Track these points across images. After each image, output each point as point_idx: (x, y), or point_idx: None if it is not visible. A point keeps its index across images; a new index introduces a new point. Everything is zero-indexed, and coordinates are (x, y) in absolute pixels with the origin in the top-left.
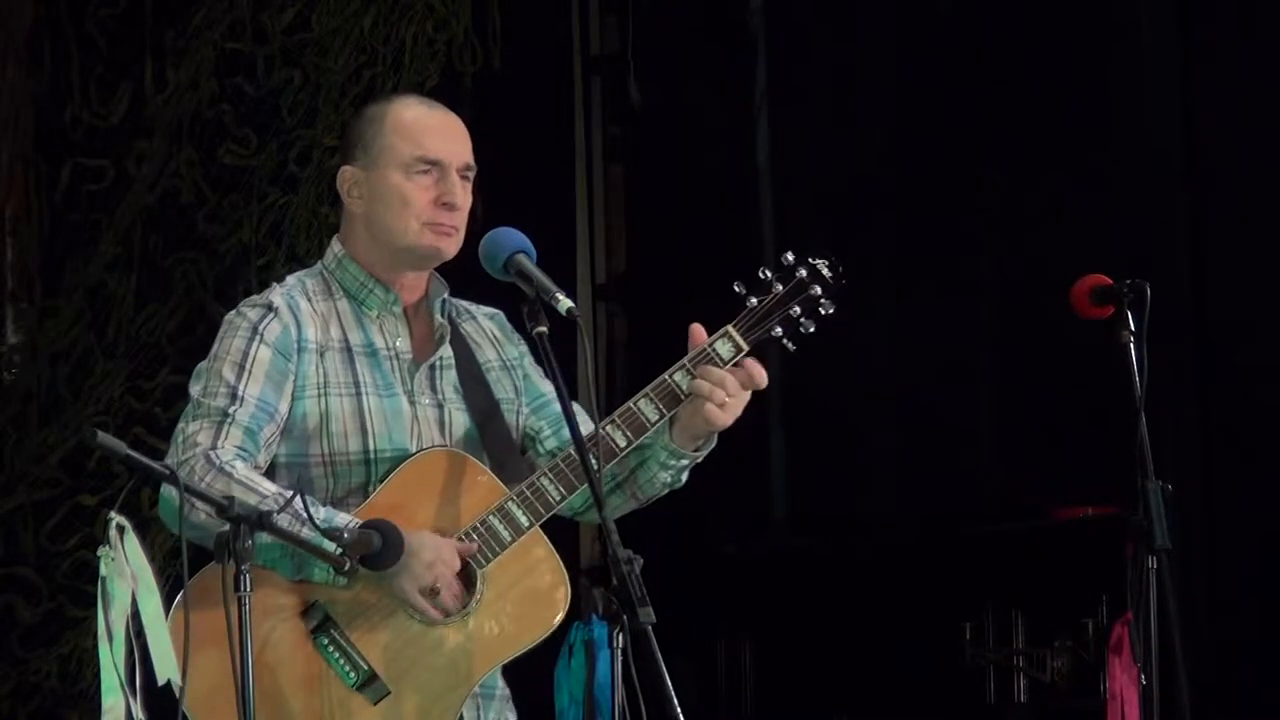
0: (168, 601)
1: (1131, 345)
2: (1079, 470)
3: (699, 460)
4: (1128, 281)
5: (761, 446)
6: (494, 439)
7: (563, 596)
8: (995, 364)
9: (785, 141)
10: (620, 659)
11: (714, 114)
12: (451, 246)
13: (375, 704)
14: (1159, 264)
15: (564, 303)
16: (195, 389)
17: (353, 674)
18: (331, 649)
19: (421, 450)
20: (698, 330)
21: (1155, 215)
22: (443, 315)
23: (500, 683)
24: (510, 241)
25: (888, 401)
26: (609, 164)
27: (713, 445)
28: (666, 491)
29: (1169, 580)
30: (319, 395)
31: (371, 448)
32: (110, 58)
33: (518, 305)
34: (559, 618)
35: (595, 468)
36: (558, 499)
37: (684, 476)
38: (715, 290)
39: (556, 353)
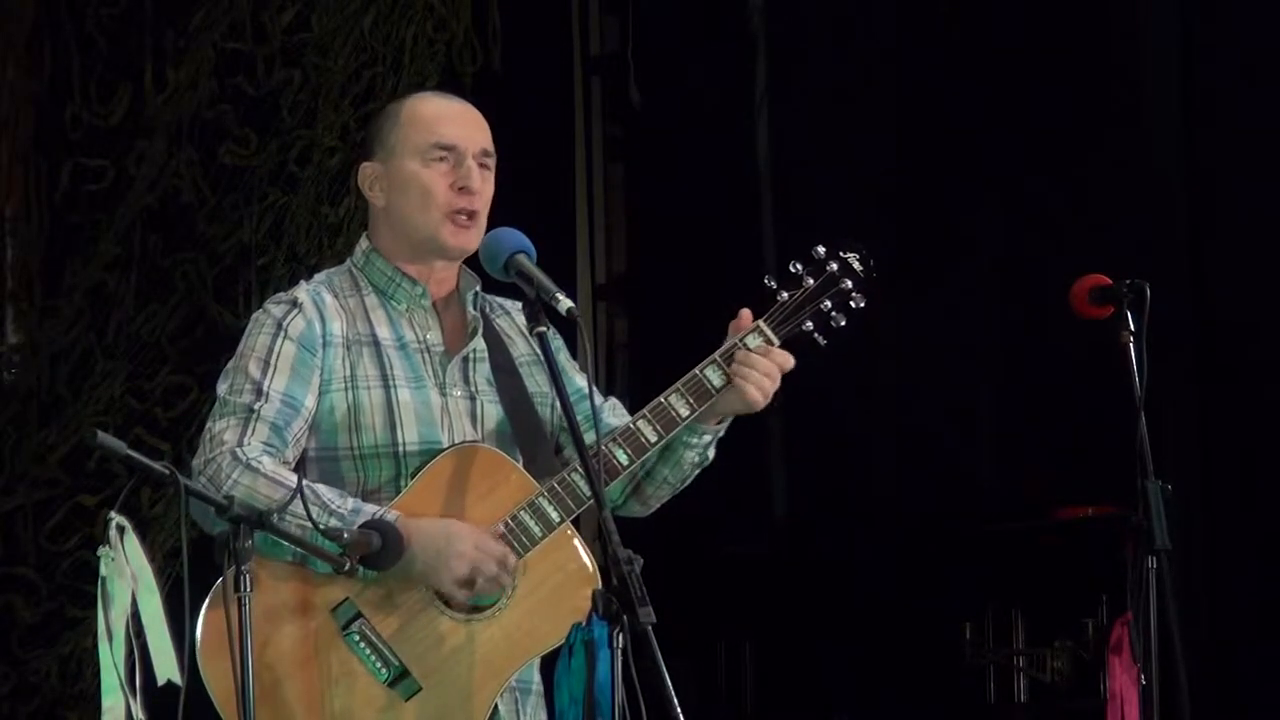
0: (195, 604)
1: (1131, 345)
2: (1079, 470)
3: (721, 434)
4: (1128, 281)
5: (761, 446)
6: (525, 432)
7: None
8: (995, 364)
9: (785, 141)
10: (620, 659)
11: (714, 114)
12: (473, 239)
13: (407, 700)
14: (1159, 264)
15: (564, 303)
16: (222, 388)
17: (384, 670)
18: (362, 645)
19: (453, 445)
20: (744, 314)
21: (1155, 215)
22: (474, 309)
23: (537, 678)
24: (510, 241)
25: (887, 401)
26: (609, 164)
27: (730, 419)
28: (698, 472)
29: (1169, 580)
30: (346, 389)
31: (400, 440)
32: (110, 58)
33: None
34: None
35: (596, 469)
36: (588, 494)
37: (710, 453)
38: (715, 290)
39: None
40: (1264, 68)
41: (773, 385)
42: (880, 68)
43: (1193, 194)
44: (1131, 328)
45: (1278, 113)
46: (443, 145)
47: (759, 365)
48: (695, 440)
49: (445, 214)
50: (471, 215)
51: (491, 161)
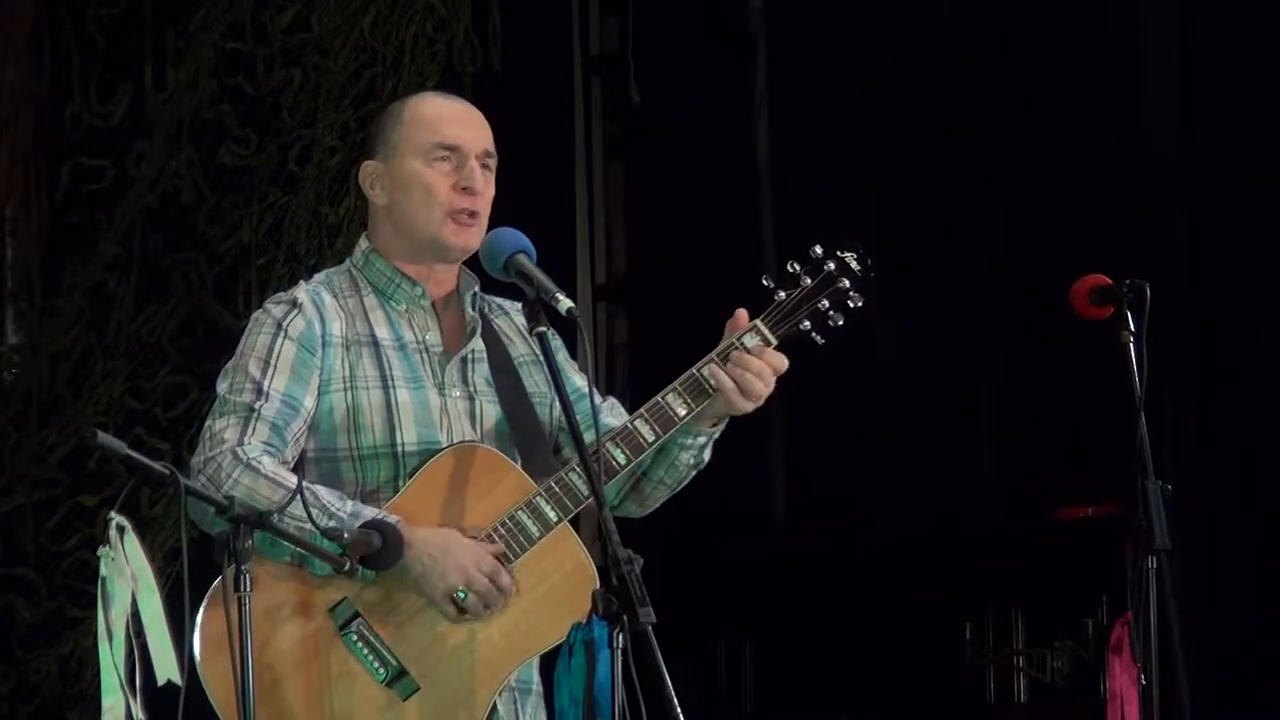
0: (195, 604)
1: (1131, 345)
2: (1079, 470)
3: (717, 436)
4: (1128, 281)
5: (761, 446)
6: (524, 432)
7: (590, 592)
8: (995, 364)
9: (785, 141)
10: (620, 659)
11: (714, 114)
12: (474, 239)
13: (405, 700)
14: (1159, 264)
15: (564, 303)
16: (222, 386)
17: (382, 670)
18: (360, 645)
19: (451, 445)
20: (741, 314)
21: (1155, 215)
22: (473, 309)
23: (536, 678)
24: (510, 241)
25: (888, 401)
26: (609, 164)
27: (726, 420)
28: (695, 474)
29: (1169, 580)
30: (345, 389)
31: (399, 441)
32: (110, 58)
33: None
34: (586, 613)
35: (596, 469)
36: (586, 494)
37: (706, 455)
38: (715, 290)
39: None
40: (1264, 67)
41: (765, 386)
42: (880, 68)
43: (1193, 194)
44: (1131, 328)
45: (1278, 112)
46: (446, 145)
47: (752, 366)
48: (690, 442)
49: (446, 213)
50: (473, 215)
51: (493, 163)
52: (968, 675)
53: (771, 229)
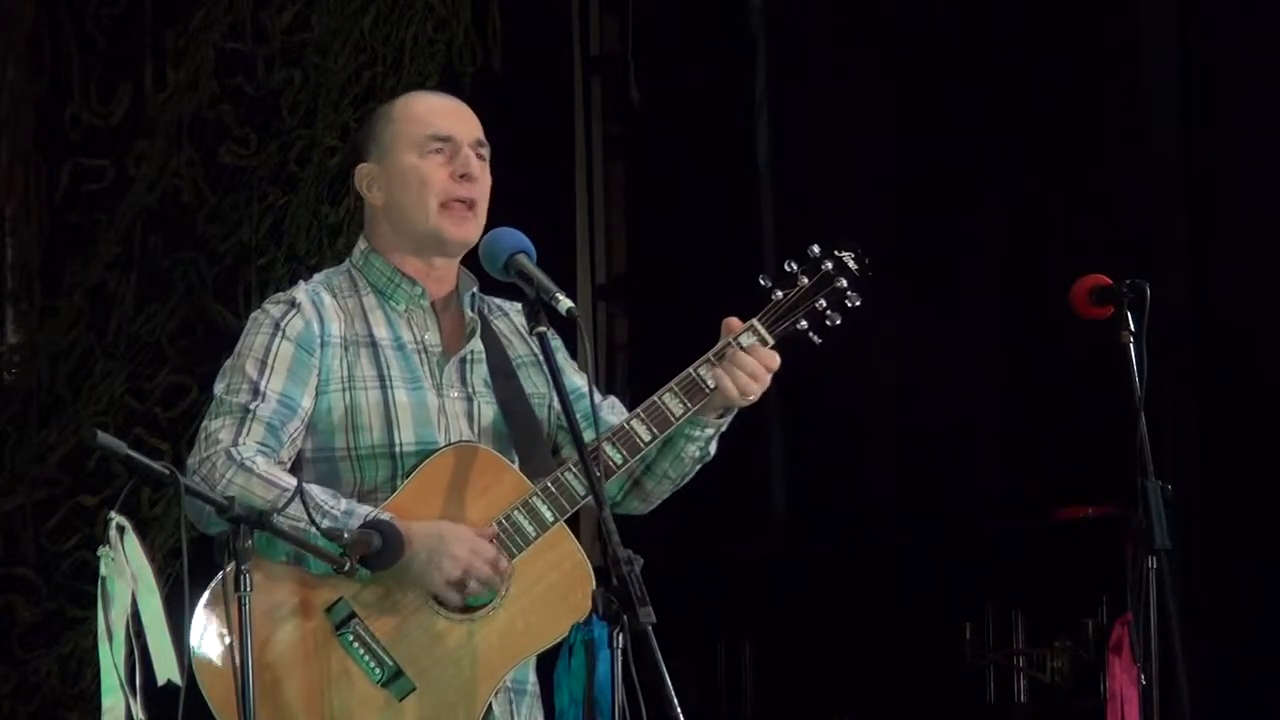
0: (195, 604)
1: (1131, 345)
2: (1079, 470)
3: (724, 428)
4: (1128, 281)
5: (761, 446)
6: (522, 433)
7: (587, 592)
8: (995, 364)
9: (785, 141)
10: (620, 659)
11: (714, 114)
12: (472, 232)
13: (401, 700)
14: (1159, 264)
15: (564, 303)
16: (219, 387)
17: (378, 670)
18: (356, 645)
19: (450, 445)
20: (733, 322)
21: (1155, 215)
22: (472, 309)
23: (532, 679)
24: (510, 241)
25: (888, 401)
26: (609, 164)
27: (734, 412)
28: (699, 467)
29: (1169, 580)
30: (344, 389)
31: (396, 441)
32: (110, 58)
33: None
34: (584, 613)
35: (597, 471)
36: (582, 494)
37: (712, 448)
38: (715, 290)
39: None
40: (1264, 67)
41: (759, 384)
42: (880, 68)
43: (1193, 194)
44: (1131, 328)
45: (1278, 113)
46: (439, 136)
47: (745, 364)
48: (697, 433)
49: (443, 202)
50: (470, 205)
51: (486, 152)
52: (968, 675)
53: (771, 229)
